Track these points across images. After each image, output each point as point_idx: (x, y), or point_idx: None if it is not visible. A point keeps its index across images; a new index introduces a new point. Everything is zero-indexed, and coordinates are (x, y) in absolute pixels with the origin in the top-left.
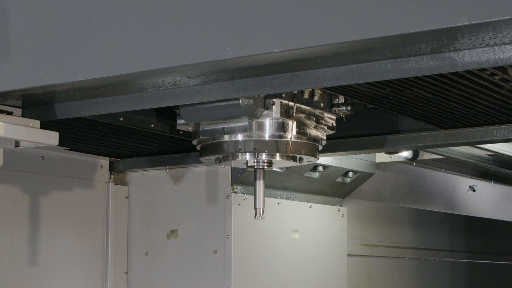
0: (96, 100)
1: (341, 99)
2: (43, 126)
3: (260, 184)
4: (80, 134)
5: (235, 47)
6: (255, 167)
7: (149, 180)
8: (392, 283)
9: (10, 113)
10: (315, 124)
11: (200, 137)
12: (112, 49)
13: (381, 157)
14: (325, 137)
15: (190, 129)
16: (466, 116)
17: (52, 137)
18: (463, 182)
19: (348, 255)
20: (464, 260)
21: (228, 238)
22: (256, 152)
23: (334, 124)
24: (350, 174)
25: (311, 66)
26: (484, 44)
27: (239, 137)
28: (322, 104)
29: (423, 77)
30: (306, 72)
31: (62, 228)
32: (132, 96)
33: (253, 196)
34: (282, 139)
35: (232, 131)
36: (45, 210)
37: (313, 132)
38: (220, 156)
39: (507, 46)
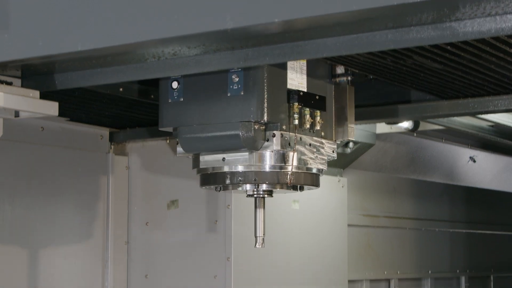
0: (96, 70)
1: (341, 69)
2: (43, 96)
3: (260, 213)
4: (80, 105)
5: (235, 16)
6: (255, 196)
7: (150, 151)
8: (392, 253)
9: (10, 84)
10: (315, 154)
11: (200, 167)
12: (112, 19)
13: (382, 127)
14: (326, 166)
15: (190, 157)
16: (467, 86)
17: (52, 107)
18: (464, 153)
19: (349, 225)
20: (464, 231)
21: (229, 208)
22: (256, 183)
23: (335, 152)
24: (351, 144)
25: (311, 36)
26: (485, 13)
27: (239, 168)
28: (323, 133)
29: (424, 47)
30: (306, 42)
31: (63, 199)
32: (132, 67)
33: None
34: (282, 170)
35: (232, 162)
36: (45, 180)
37: (314, 162)
38: (220, 185)
39: (509, 16)
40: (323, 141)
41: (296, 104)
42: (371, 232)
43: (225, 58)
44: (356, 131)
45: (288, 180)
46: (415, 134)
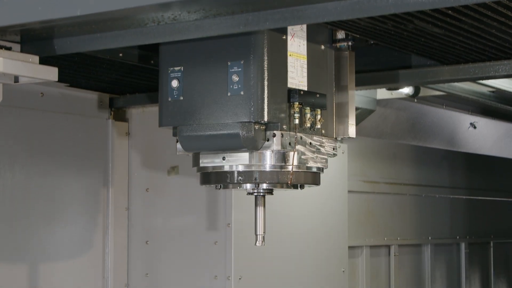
0: (95, 35)
1: (342, 34)
2: (42, 61)
3: (260, 211)
4: (79, 70)
5: None
6: (256, 194)
7: (150, 117)
8: (392, 220)
9: (9, 49)
10: (316, 152)
11: (200, 166)
12: None
13: (382, 93)
14: (326, 165)
15: (190, 155)
16: (468, 51)
17: (51, 73)
18: (464, 119)
19: (349, 191)
20: (464, 197)
21: None
22: (257, 183)
23: (336, 149)
24: None
25: (312, 0)
26: None
27: (240, 167)
28: (323, 131)
29: (425, 11)
30: (307, 6)
31: (63, 165)
32: (131, 32)
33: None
34: (283, 170)
35: (233, 162)
36: (45, 147)
37: (314, 161)
38: (221, 184)
39: None
40: (324, 139)
41: (297, 103)
42: (371, 199)
43: (225, 22)
44: (357, 97)
45: (289, 180)
46: (415, 100)
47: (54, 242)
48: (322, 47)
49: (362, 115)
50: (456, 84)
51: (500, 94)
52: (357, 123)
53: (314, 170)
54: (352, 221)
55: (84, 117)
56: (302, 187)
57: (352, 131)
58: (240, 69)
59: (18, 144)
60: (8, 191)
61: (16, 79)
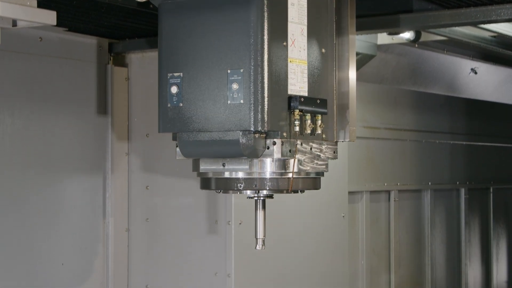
0: None
1: None
2: (40, 5)
3: (260, 214)
4: (78, 15)
5: None
6: (255, 198)
7: (149, 62)
8: (392, 165)
9: None
10: (316, 158)
11: (200, 171)
12: None
13: (383, 38)
14: (327, 168)
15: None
16: None
17: (49, 16)
18: (465, 65)
19: None
20: (464, 143)
21: None
22: (257, 190)
23: (336, 152)
24: None
25: None
26: None
27: (240, 174)
28: (324, 135)
29: None
30: None
31: (62, 110)
32: None
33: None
34: (283, 177)
35: (233, 168)
36: (45, 92)
37: (315, 166)
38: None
39: None
40: (324, 143)
41: (297, 111)
42: (371, 144)
43: None
44: (357, 42)
45: (289, 187)
46: (416, 46)
47: (54, 188)
48: (323, 50)
49: (362, 61)
50: (457, 28)
51: (501, 39)
52: (357, 69)
53: (315, 175)
54: (352, 167)
55: (83, 62)
56: (302, 191)
57: (353, 135)
58: (240, 78)
59: (18, 89)
60: (8, 137)
61: (14, 23)
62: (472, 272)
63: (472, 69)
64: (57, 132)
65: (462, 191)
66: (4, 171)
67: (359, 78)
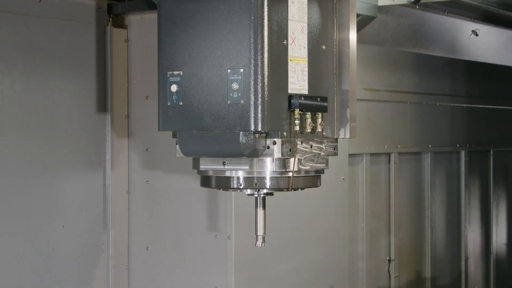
0: None
1: None
2: None
3: (260, 212)
4: None
5: None
6: (256, 196)
7: (149, 23)
8: (393, 128)
9: None
10: (316, 156)
11: (200, 169)
12: None
13: None
14: (327, 165)
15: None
16: None
17: None
18: (466, 26)
19: None
20: (464, 105)
21: None
22: (257, 188)
23: (337, 149)
24: None
25: None
26: None
27: (240, 173)
28: (324, 133)
29: None
30: None
31: (61, 73)
32: None
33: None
34: (283, 176)
35: (233, 167)
36: (43, 54)
37: (315, 164)
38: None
39: None
40: (324, 141)
41: (297, 110)
42: (371, 106)
43: None
44: (358, 3)
45: (289, 186)
46: (417, 7)
47: (53, 148)
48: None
49: (363, 22)
50: None
51: (503, 0)
52: (358, 30)
53: (315, 173)
54: None
55: (82, 24)
56: (303, 188)
57: (353, 131)
58: (240, 78)
59: (16, 51)
60: (7, 99)
61: None
62: (472, 234)
63: (473, 31)
64: (56, 94)
65: (463, 153)
66: (4, 132)
67: (359, 40)
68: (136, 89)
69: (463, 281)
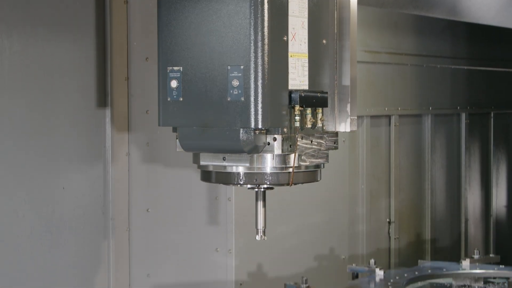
0: None
1: None
2: None
3: (260, 205)
4: None
5: None
6: (256, 189)
7: None
8: (393, 90)
9: None
10: (317, 151)
11: (200, 164)
12: None
13: None
14: (327, 159)
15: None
16: None
17: None
18: None
19: None
20: (465, 67)
21: None
22: (257, 184)
23: (337, 143)
24: None
25: None
26: None
27: (240, 169)
28: (324, 127)
29: None
30: None
31: (61, 34)
32: None
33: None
34: (283, 172)
35: (233, 162)
36: (42, 15)
37: (315, 158)
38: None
39: None
40: (324, 136)
41: (298, 106)
42: (372, 68)
43: None
44: None
45: (289, 182)
46: None
47: (53, 112)
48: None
49: None
50: None
51: None
52: None
53: (315, 168)
54: None
55: None
56: (302, 183)
57: (353, 125)
58: (240, 75)
59: (15, 13)
60: (6, 60)
61: None
62: (472, 196)
63: None
64: (56, 55)
65: (463, 115)
66: (3, 94)
67: (359, 2)
68: (135, 51)
69: (462, 243)
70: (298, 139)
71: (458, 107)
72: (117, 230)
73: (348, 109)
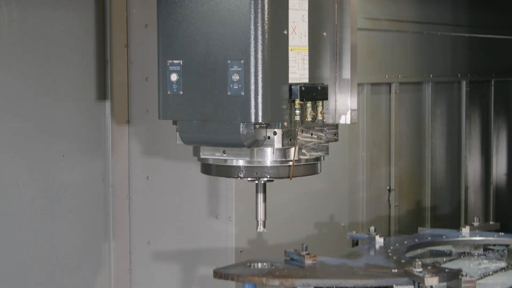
0: None
1: None
2: None
3: (261, 197)
4: None
5: None
6: (256, 182)
7: None
8: (393, 57)
9: None
10: (317, 143)
11: (201, 157)
12: None
13: None
14: (327, 151)
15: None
16: None
17: None
18: None
19: None
20: (466, 35)
21: None
22: (257, 177)
23: (337, 135)
24: None
25: None
26: None
27: (240, 162)
28: (324, 120)
29: None
30: None
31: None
32: None
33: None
34: (283, 165)
35: (233, 156)
36: None
37: (315, 151)
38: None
39: None
40: (325, 129)
41: (298, 100)
42: (372, 36)
43: None
44: None
45: (290, 175)
46: None
47: (52, 79)
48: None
49: None
50: None
51: None
52: None
53: (315, 160)
54: None
55: None
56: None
57: (354, 117)
58: (240, 69)
59: None
60: (5, 28)
61: None
62: (472, 164)
63: None
64: (55, 23)
65: (463, 83)
66: (1, 61)
67: None
68: (135, 18)
69: (462, 210)
70: (298, 132)
71: (459, 75)
72: (117, 197)
73: (349, 102)
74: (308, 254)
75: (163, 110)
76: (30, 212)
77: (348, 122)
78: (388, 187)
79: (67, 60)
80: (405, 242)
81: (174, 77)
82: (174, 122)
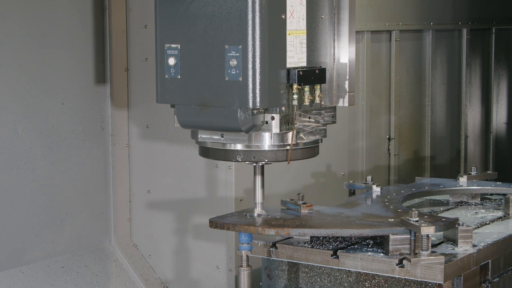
0: None
1: None
2: None
3: (259, 179)
4: None
5: None
6: (254, 165)
7: None
8: (394, 4)
9: None
10: (315, 126)
11: (198, 140)
12: None
13: None
14: (325, 134)
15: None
16: None
17: None
18: None
19: None
20: None
21: None
22: (255, 161)
23: (335, 117)
24: None
25: None
26: None
27: (238, 146)
28: (322, 103)
29: None
30: None
31: None
32: None
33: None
34: (281, 149)
35: (231, 140)
36: None
37: (313, 135)
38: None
39: None
40: (322, 111)
41: (296, 84)
42: None
43: None
44: None
45: (287, 159)
46: None
47: (50, 28)
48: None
49: None
50: None
51: None
52: None
53: (313, 143)
54: None
55: None
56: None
57: (352, 99)
58: (238, 54)
59: None
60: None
61: None
62: (472, 113)
63: None
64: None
65: (464, 31)
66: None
67: None
68: None
69: (462, 159)
70: (296, 117)
71: (460, 23)
72: (116, 146)
73: (347, 85)
74: (304, 203)
75: (161, 94)
76: (30, 160)
77: (346, 105)
78: (388, 136)
79: (65, 6)
80: (402, 191)
81: (172, 61)
82: (172, 105)
